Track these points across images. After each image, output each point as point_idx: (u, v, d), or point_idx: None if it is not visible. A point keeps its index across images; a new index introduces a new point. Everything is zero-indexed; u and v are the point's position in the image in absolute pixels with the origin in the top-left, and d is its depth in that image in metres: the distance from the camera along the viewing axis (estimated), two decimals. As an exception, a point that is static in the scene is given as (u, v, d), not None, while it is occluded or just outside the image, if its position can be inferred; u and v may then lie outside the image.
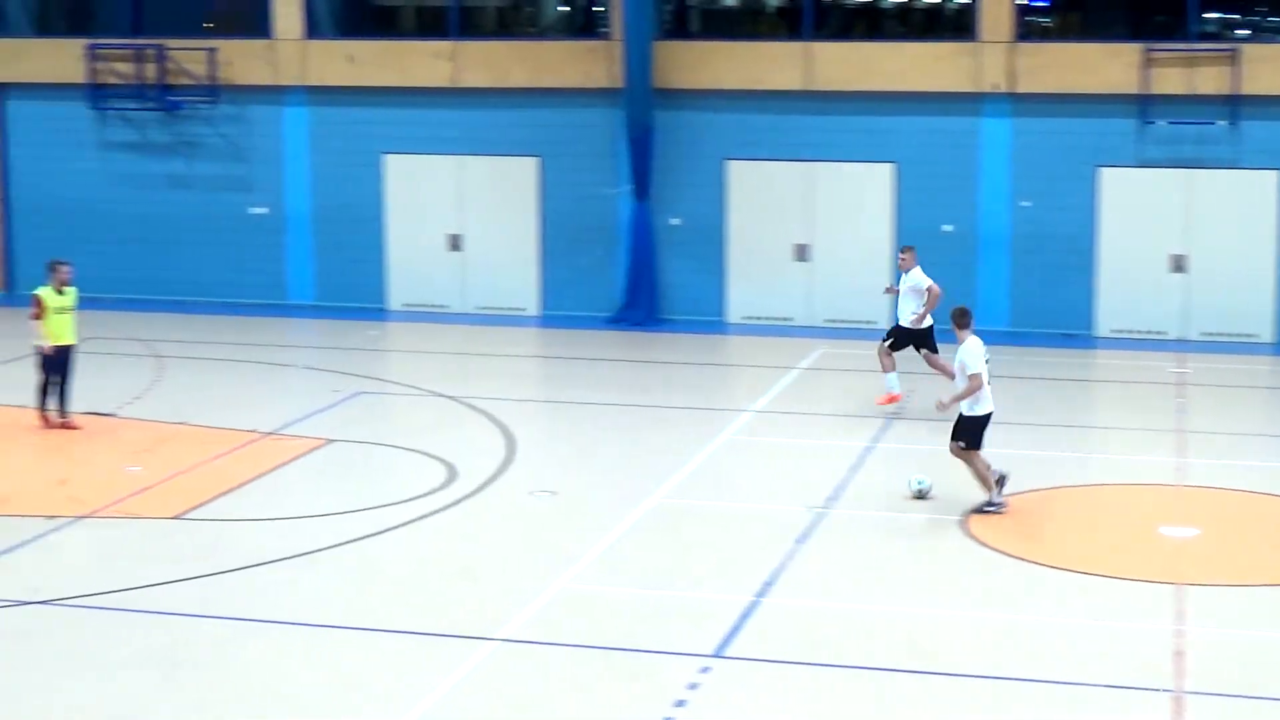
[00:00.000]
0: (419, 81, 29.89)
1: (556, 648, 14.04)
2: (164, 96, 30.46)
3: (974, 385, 17.43)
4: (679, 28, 30.68)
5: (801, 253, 29.06)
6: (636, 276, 29.09)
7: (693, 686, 13.13)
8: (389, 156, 30.22)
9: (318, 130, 30.40)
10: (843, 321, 28.55)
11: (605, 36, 29.43)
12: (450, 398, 23.28)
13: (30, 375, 21.33)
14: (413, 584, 15.79)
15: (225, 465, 19.79)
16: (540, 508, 18.27)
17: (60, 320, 21.09)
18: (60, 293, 21.17)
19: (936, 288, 22.10)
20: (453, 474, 19.35)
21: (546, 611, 14.89)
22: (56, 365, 21.04)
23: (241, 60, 30.35)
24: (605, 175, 29.40)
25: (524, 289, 29.96)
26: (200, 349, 26.59)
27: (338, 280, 30.57)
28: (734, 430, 21.60)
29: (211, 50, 30.24)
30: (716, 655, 13.80)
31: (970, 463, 17.78)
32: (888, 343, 22.39)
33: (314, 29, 30.36)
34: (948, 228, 28.46)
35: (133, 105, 30.69)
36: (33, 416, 21.18)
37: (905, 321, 22.21)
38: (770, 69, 28.81)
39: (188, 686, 13.32)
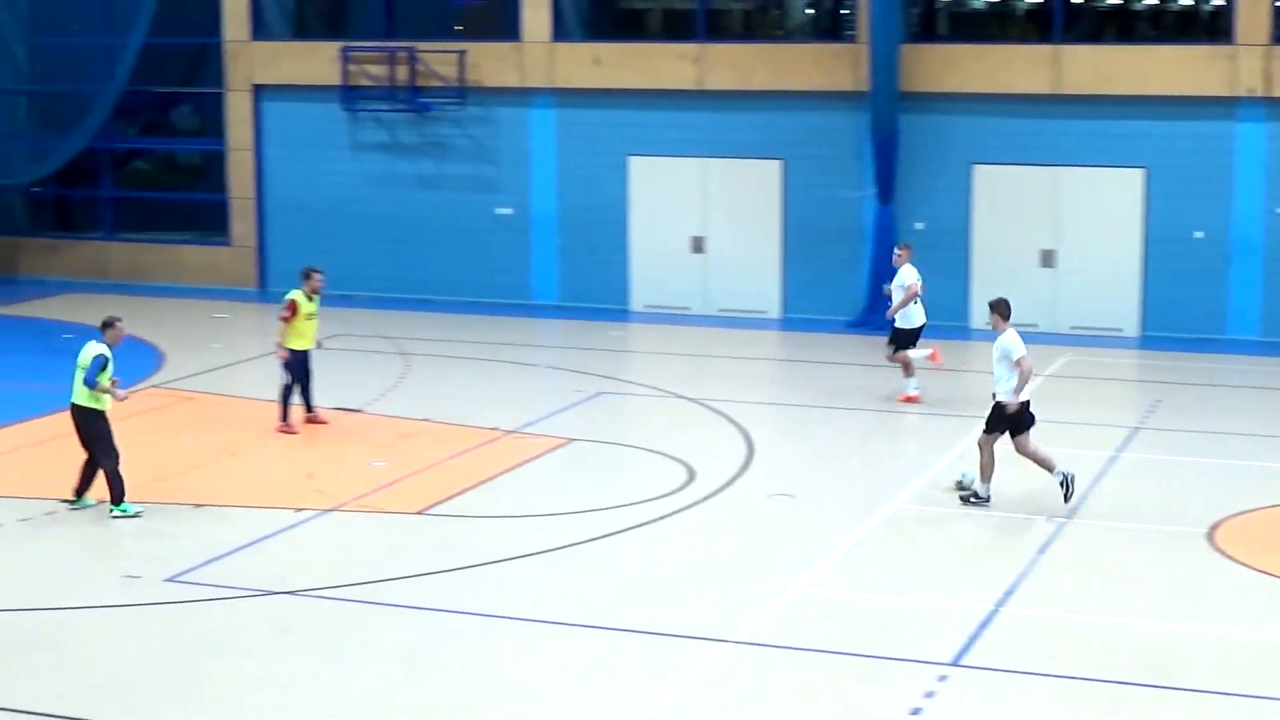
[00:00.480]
0: (664, 84, 30.01)
1: (792, 651, 13.99)
2: (414, 98, 30.99)
3: (1025, 370, 17.61)
4: (926, 30, 30.39)
5: (1047, 258, 28.61)
6: (879, 281, 28.87)
7: (929, 695, 13.00)
8: (633, 158, 30.39)
9: (564, 132, 30.69)
10: (1088, 328, 28.05)
11: (851, 39, 29.28)
12: (690, 399, 23.33)
13: (270, 372, 21.80)
14: (650, 584, 15.86)
15: (468, 462, 20.06)
16: (778, 511, 18.23)
17: (307, 325, 21.52)
18: (310, 299, 21.61)
19: (915, 286, 22.75)
20: (692, 475, 19.39)
21: (783, 615, 14.85)
22: (300, 368, 21.49)
23: (490, 63, 30.76)
24: (849, 178, 29.24)
25: (765, 292, 29.92)
26: (445, 347, 27.01)
27: (581, 281, 30.82)
28: (974, 437, 21.32)
29: (461, 53, 30.69)
30: (954, 664, 13.65)
31: (983, 448, 18.08)
32: (892, 348, 23.10)
33: (561, 32, 30.66)
34: (1199, 234, 27.82)
35: (384, 107, 31.28)
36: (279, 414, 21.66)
37: (902, 324, 22.98)
38: (1018, 72, 28.41)
39: (429, 679, 13.53)
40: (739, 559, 16.62)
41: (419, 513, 17.99)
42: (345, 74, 31.21)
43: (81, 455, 17.89)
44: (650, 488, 18.90)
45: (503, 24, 31.19)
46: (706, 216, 30.13)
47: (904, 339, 23.07)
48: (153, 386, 24.09)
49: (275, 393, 21.66)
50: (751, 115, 29.67)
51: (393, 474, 19.43)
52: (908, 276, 22.92)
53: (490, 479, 19.29)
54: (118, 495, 17.70)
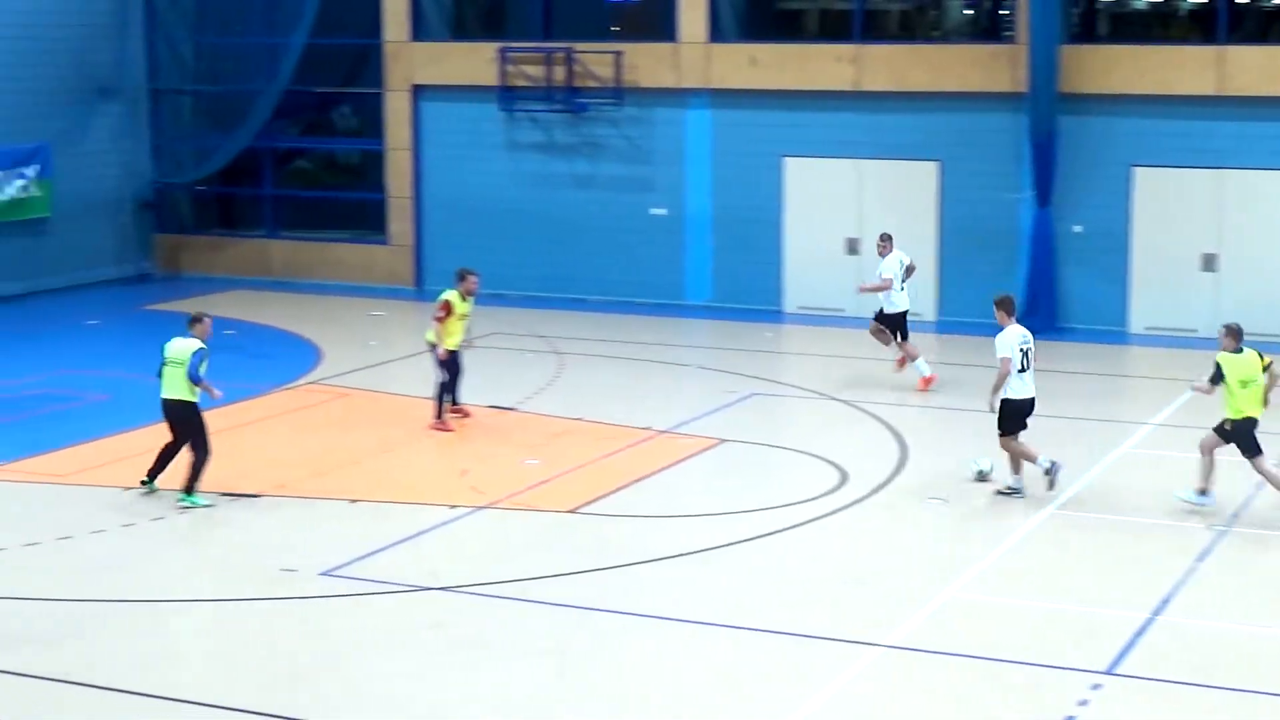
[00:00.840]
0: (820, 85, 29.90)
1: (943, 657, 13.89)
2: (571, 99, 31.14)
3: (1001, 370, 18.30)
4: (1086, 31, 30.01)
5: (1209, 262, 28.14)
6: (1036, 284, 28.57)
7: (1083, 703, 12.85)
8: (788, 159, 30.31)
9: (719, 132, 30.68)
10: (1252, 334, 27.50)
11: (1010, 40, 28.98)
12: (843, 401, 23.24)
13: (430, 371, 21.99)
14: (801, 586, 15.81)
15: (620, 462, 20.12)
16: (931, 515, 18.10)
17: (459, 325, 21.70)
18: (464, 300, 21.78)
19: (891, 278, 23.90)
20: (844, 478, 19.31)
21: (934, 620, 14.75)
22: (454, 367, 21.68)
23: (646, 63, 30.83)
24: (1006, 181, 28.94)
25: (921, 294, 29.68)
26: (598, 346, 27.11)
27: (735, 281, 30.79)
28: (1133, 443, 21.06)
29: (618, 54, 30.79)
30: (1108, 672, 13.47)
31: (1005, 448, 18.55)
32: (897, 336, 24.15)
33: (718, 33, 30.65)
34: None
35: (541, 107, 31.46)
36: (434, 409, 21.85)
37: (887, 309, 24.04)
38: (1181, 73, 27.96)
39: (578, 677, 13.60)
40: (890, 562, 16.53)
41: (571, 511, 18.08)
42: (503, 74, 31.43)
43: (159, 443, 18.18)
44: (802, 489, 18.86)
45: (659, 25, 31.24)
46: (861, 218, 29.98)
47: (890, 322, 24.10)
48: (310, 383, 24.43)
49: (431, 390, 21.88)
50: (908, 117, 29.48)
51: (546, 472, 19.54)
52: (887, 269, 24.02)
53: (642, 479, 19.34)
54: (191, 486, 18.10)
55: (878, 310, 24.29)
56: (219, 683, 13.39)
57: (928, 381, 23.98)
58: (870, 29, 30.46)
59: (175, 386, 18.14)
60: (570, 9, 32.80)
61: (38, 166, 31.48)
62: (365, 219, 33.71)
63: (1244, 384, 17.64)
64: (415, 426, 21.70)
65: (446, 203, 32.66)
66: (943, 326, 29.24)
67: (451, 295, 21.69)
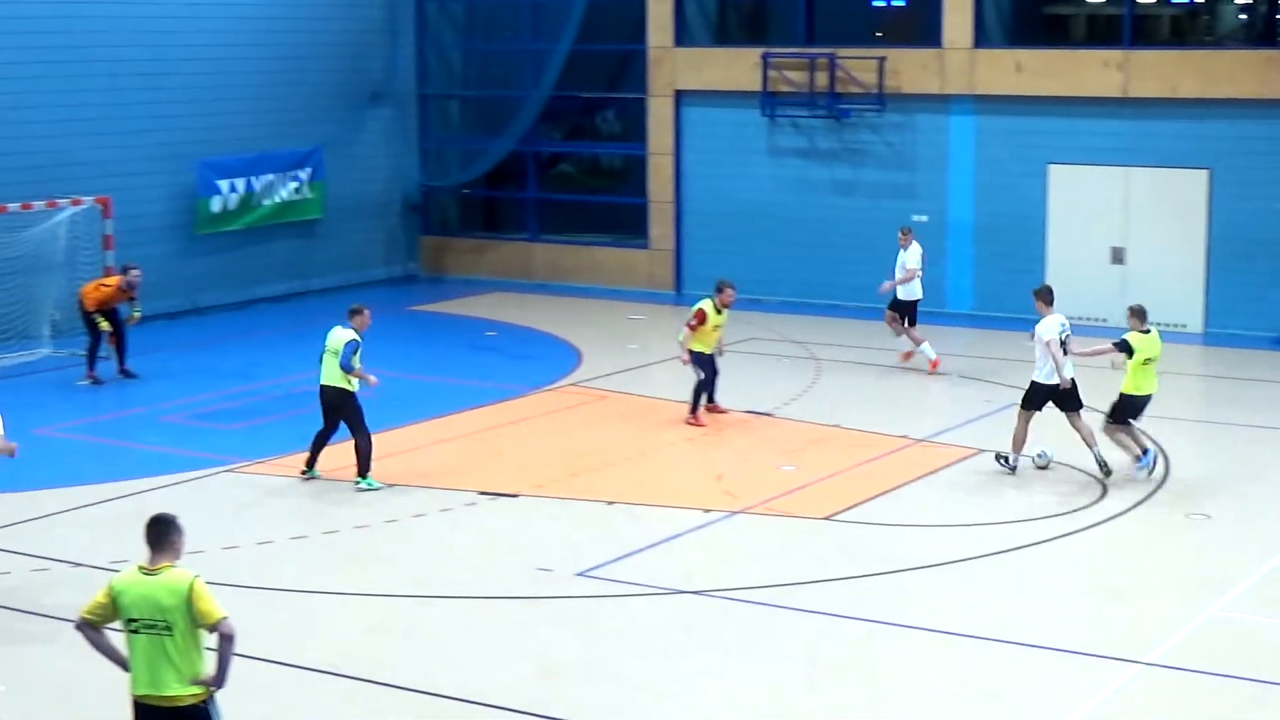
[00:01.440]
0: (1087, 91, 29.39)
1: (1204, 676, 13.57)
2: (833, 104, 31.07)
3: (1054, 354, 19.37)
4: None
5: None
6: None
7: (1350, 730, 12.47)
8: (1053, 166, 29.86)
9: (983, 139, 30.34)
10: None
11: (1286, 45, 28.23)
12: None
13: (686, 374, 22.11)
14: (1057, 600, 15.58)
15: (875, 469, 20.03)
16: (1194, 531, 17.71)
17: (711, 335, 21.81)
18: (719, 312, 21.88)
19: (916, 268, 25.58)
20: (1104, 490, 18.98)
21: (1195, 637, 14.42)
22: (709, 366, 21.81)
23: (910, 69, 30.62)
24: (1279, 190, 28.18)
25: (1187, 305, 29.04)
26: (856, 354, 27.00)
27: (996, 289, 30.41)
28: None
29: (881, 59, 30.63)
30: (1378, 699, 13.05)
31: (1020, 420, 19.81)
32: (904, 321, 25.59)
33: (983, 38, 30.33)
34: None
35: (803, 112, 31.44)
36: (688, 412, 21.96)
37: (904, 297, 25.54)
38: None
39: (827, 684, 13.58)
40: (1151, 578, 16.21)
41: (825, 518, 18.04)
42: (765, 80, 31.47)
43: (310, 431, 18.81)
44: (1061, 502, 18.58)
45: (923, 30, 31.03)
46: (1127, 227, 29.41)
47: (904, 309, 25.59)
48: (570, 384, 24.73)
49: (688, 393, 22.03)
50: (1177, 124, 28.83)
51: (801, 479, 19.53)
52: (911, 259, 25.58)
53: (897, 487, 19.23)
54: (364, 469, 18.94)
55: (892, 299, 25.74)
56: (475, 679, 13.62)
57: (935, 365, 25.14)
58: (1139, 34, 29.86)
59: (332, 374, 18.95)
60: (833, 14, 32.73)
61: (310, 169, 32.36)
62: (626, 223, 34.02)
63: (1147, 362, 19.26)
64: (672, 430, 21.84)
65: (707, 208, 32.81)
66: (1210, 339, 28.54)
67: (707, 305, 21.84)
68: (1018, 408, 19.92)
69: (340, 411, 19.06)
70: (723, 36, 33.97)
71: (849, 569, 16.33)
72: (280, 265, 32.12)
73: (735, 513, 18.23)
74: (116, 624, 10.01)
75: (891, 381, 25.00)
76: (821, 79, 31.08)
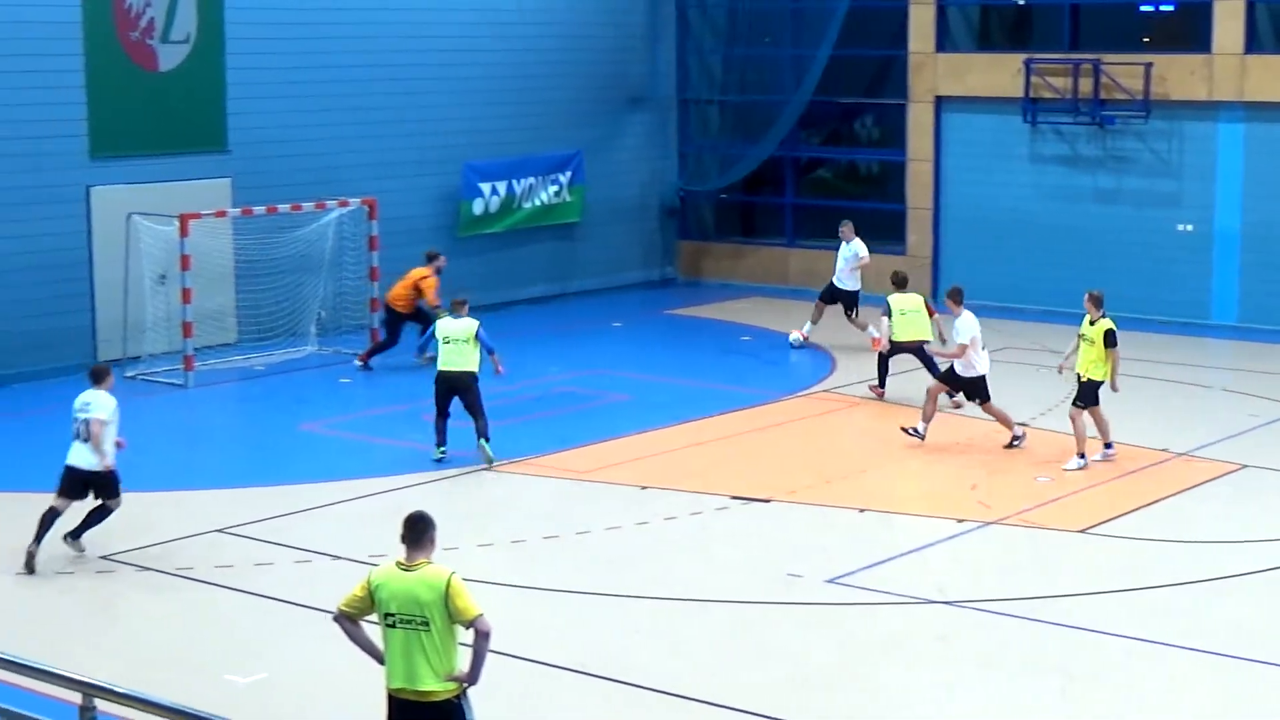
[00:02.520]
0: (1364, 97, 28.51)
1: None
2: (1097, 111, 30.53)
3: (957, 353, 21.12)
4: None
5: None
6: None
7: None
8: (1326, 176, 29.00)
9: (1252, 147, 29.53)
10: None
11: None
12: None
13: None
14: (1323, 622, 15.14)
15: (1134, 483, 19.65)
16: None
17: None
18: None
19: (865, 256, 27.28)
20: (1375, 511, 18.37)
21: None
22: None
23: (1177, 75, 29.94)
24: None
25: None
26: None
27: (1264, 301, 29.60)
28: None
29: (1147, 65, 30.01)
30: None
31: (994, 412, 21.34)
32: (852, 314, 27.58)
33: (1254, 44, 29.54)
34: None
35: (1065, 119, 30.95)
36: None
37: (849, 286, 27.45)
38: None
39: (1082, 700, 13.36)
40: None
41: (1081, 531, 17.75)
42: (1027, 86, 31.04)
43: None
44: (1328, 521, 18.04)
45: (1192, 35, 30.33)
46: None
47: (846, 298, 27.43)
48: (824, 391, 24.67)
49: (924, 399, 21.88)
50: None
51: (1057, 490, 19.24)
52: (862, 249, 27.44)
53: (1156, 502, 18.84)
54: (484, 432, 20.21)
55: (831, 289, 27.58)
56: (724, 682, 13.66)
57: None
58: None
59: (461, 360, 20.27)
60: (1099, 20, 32.16)
61: (571, 173, 32.74)
62: (883, 230, 33.75)
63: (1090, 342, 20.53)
64: (928, 438, 21.64)
65: (965, 215, 32.46)
66: None
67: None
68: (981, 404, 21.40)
69: (466, 394, 20.25)
70: (985, 42, 33.60)
71: (1106, 583, 16.04)
72: (539, 268, 32.54)
73: (989, 523, 18.02)
74: (373, 617, 10.23)
75: (1151, 393, 24.46)
76: (1086, 85, 30.56)
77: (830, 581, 16.10)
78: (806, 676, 13.83)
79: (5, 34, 24.60)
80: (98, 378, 16.74)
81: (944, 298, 21.68)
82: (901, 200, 33.17)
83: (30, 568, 16.27)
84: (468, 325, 20.41)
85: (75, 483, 16.56)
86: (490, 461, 20.12)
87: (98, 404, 16.42)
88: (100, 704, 9.03)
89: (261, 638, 14.94)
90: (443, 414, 20.49)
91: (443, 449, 20.41)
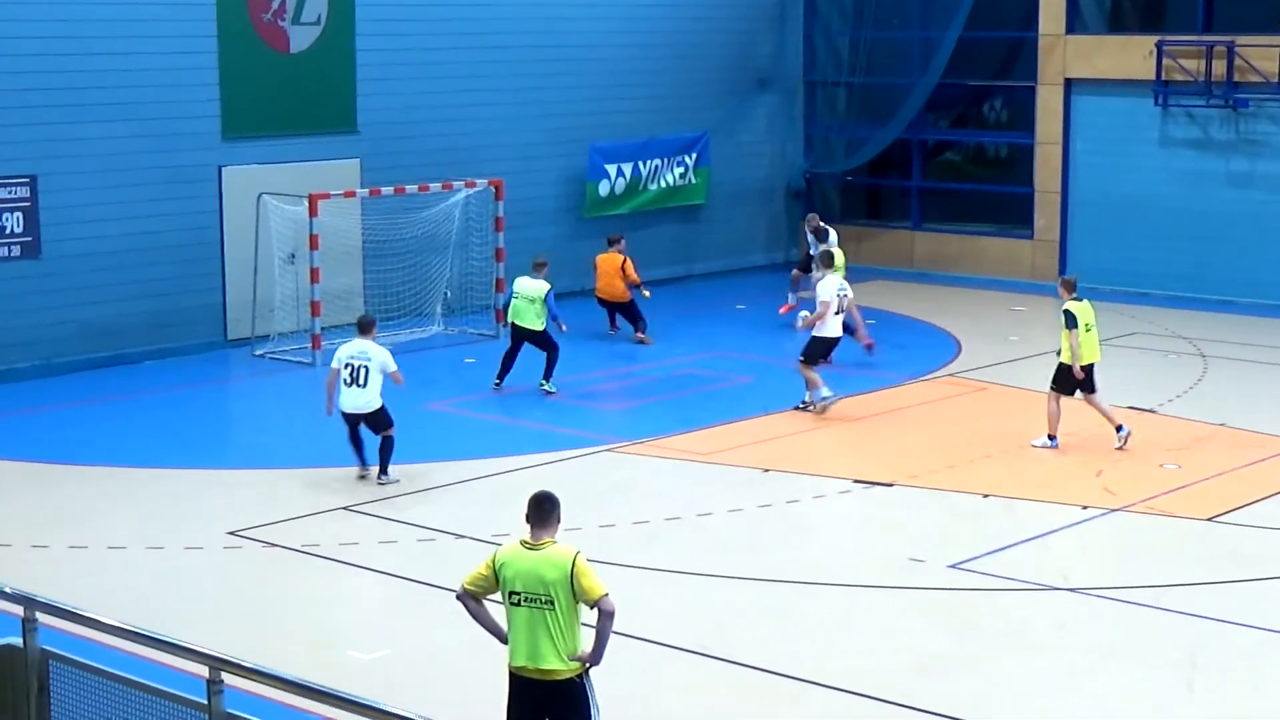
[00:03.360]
0: None
1: None
2: (1231, 93, 30.07)
3: (821, 312, 21.96)
4: None
5: None
6: None
7: None
8: None
9: (1390, 131, 29.03)
10: None
11: None
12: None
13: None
14: None
15: (1263, 471, 19.37)
16: None
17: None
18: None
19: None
20: None
21: None
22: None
23: (1313, 57, 29.46)
24: None
25: None
26: (1246, 351, 26.10)
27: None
28: None
29: (1283, 47, 29.55)
30: None
31: (804, 372, 21.95)
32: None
33: (1394, 24, 29.01)
34: None
35: (1198, 102, 30.51)
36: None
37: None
38: None
39: (1208, 690, 13.20)
40: None
41: (1208, 519, 17.53)
42: (1159, 68, 30.64)
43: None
44: None
45: (1329, 16, 29.84)
46: None
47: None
48: (949, 375, 24.53)
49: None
50: None
51: (1184, 478, 19.00)
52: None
53: (1290, 490, 18.59)
54: (549, 374, 22.88)
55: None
56: (845, 666, 13.63)
57: (789, 308, 27.50)
58: None
59: (529, 318, 22.76)
60: (1233, 1, 31.67)
61: (696, 155, 32.73)
62: (1011, 213, 33.52)
63: (1089, 329, 20.07)
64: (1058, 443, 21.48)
65: (1094, 198, 32.12)
66: None
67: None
68: (800, 363, 22.04)
69: (534, 339, 22.88)
70: (1116, 24, 33.20)
71: (1233, 572, 15.85)
72: (664, 249, 32.56)
73: (1114, 510, 17.85)
74: (495, 596, 10.30)
75: (1285, 381, 24.12)
76: (1219, 68, 30.10)
77: (952, 567, 16.01)
78: (927, 662, 13.77)
79: (141, 15, 24.96)
80: (364, 328, 19.12)
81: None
82: (1030, 184, 32.86)
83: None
84: (539, 288, 22.80)
85: (353, 422, 18.90)
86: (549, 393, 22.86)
87: (375, 354, 18.70)
88: (226, 677, 9.14)
89: (384, 615, 15.10)
90: (512, 354, 23.13)
91: (499, 381, 23.17)
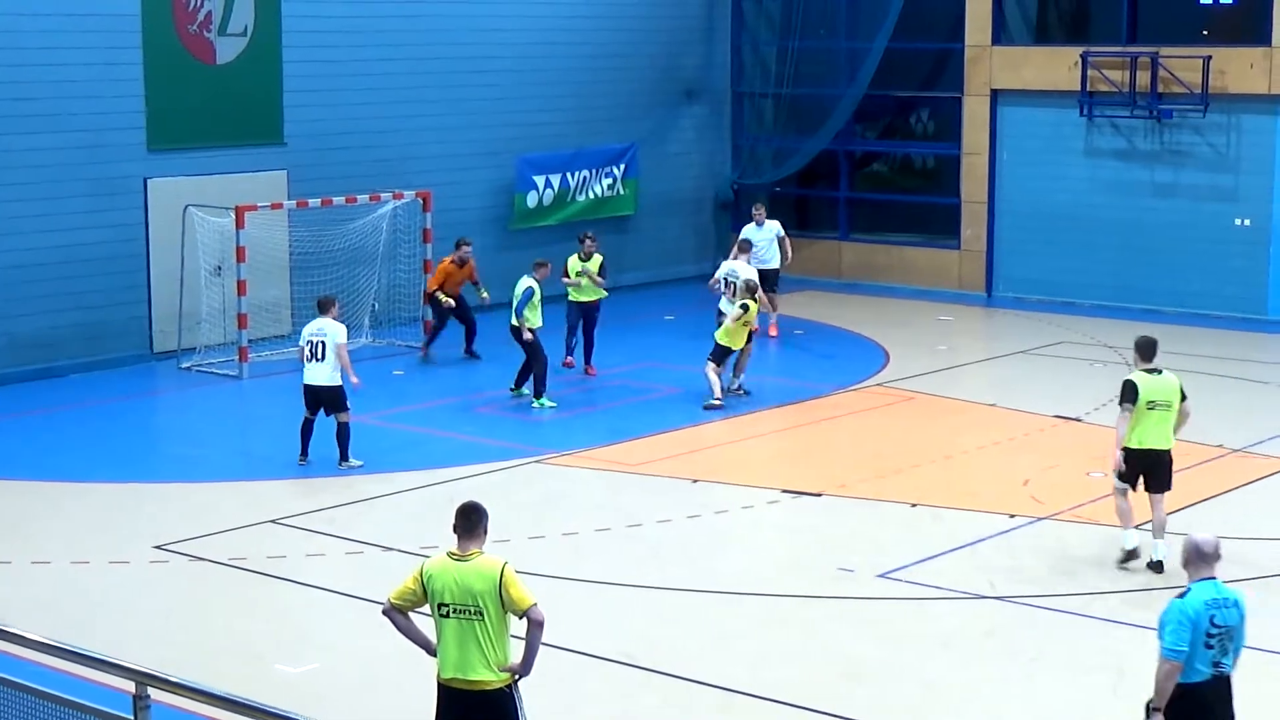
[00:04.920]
0: None
1: None
2: (1155, 104, 30.35)
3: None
4: None
5: None
6: None
7: None
8: (1388, 171, 28.77)
9: (1312, 141, 29.35)
10: None
11: None
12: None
13: (991, 378, 21.85)
14: (1378, 621, 15.02)
15: (1189, 479, 19.47)
16: None
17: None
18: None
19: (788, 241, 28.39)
20: None
21: None
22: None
23: (1236, 68, 29.72)
24: None
25: None
26: (1171, 360, 26.00)
27: (1321, 296, 29.44)
28: None
29: (1206, 58, 29.79)
30: None
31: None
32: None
33: (1314, 36, 29.33)
34: None
35: (1122, 113, 30.78)
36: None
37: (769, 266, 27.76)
38: None
39: (1136, 697, 13.23)
40: None
41: (1136, 527, 17.63)
42: (1084, 79, 30.88)
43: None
44: (1385, 519, 17.90)
45: (1252, 28, 30.13)
46: None
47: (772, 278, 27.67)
48: (877, 384, 24.62)
49: (995, 397, 21.75)
50: None
51: (1110, 486, 19.07)
52: (780, 230, 28.63)
53: (1211, 498, 18.74)
54: (540, 393, 22.76)
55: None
56: (773, 676, 13.66)
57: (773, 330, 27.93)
58: None
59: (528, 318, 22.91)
60: (1157, 12, 31.96)
61: (625, 166, 32.77)
62: (938, 224, 33.71)
63: (1151, 406, 16.42)
64: (978, 433, 21.60)
65: (1020, 209, 32.33)
66: None
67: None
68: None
69: (520, 344, 22.87)
70: (1042, 35, 33.44)
71: (1160, 580, 15.96)
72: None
73: (1041, 518, 17.96)
74: (425, 609, 10.27)
75: (1208, 389, 24.26)
76: (1143, 79, 30.36)
77: (881, 576, 16.07)
78: (856, 671, 13.81)
79: (66, 26, 24.76)
80: (324, 307, 19.78)
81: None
82: (956, 194, 33.06)
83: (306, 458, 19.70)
84: (520, 285, 23.26)
85: (311, 398, 19.57)
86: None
87: (330, 329, 19.42)
88: (153, 693, 9.08)
89: (313, 628, 15.02)
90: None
91: (515, 389, 23.48)
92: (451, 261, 26.01)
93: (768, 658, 14.15)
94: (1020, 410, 22.35)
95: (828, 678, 13.62)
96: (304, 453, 19.83)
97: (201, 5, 26.24)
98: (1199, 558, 10.54)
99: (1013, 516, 17.97)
